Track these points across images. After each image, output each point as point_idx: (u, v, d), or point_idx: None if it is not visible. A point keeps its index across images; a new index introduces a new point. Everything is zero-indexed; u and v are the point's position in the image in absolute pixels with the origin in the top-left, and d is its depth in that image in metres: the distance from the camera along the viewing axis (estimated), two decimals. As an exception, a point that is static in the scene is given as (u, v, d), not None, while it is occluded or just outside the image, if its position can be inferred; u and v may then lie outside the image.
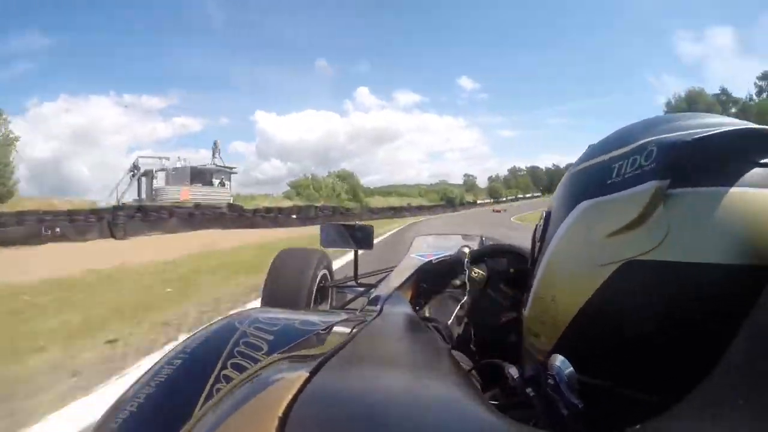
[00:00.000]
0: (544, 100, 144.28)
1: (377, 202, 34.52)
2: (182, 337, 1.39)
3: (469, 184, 70.58)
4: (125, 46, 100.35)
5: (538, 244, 0.44)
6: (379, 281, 1.70)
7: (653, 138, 0.34)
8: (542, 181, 73.19)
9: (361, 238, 1.73)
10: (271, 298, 1.69)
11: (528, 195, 66.71)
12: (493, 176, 76.32)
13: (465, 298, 0.66)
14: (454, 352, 0.56)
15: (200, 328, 0.67)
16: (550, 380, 0.36)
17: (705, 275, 0.30)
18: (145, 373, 0.56)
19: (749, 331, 0.27)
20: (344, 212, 22.77)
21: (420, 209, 34.05)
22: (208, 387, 0.50)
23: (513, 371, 0.41)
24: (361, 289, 1.89)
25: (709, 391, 0.27)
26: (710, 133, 0.32)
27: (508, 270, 0.71)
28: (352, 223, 1.82)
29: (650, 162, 0.33)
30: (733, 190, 0.31)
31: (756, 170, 0.31)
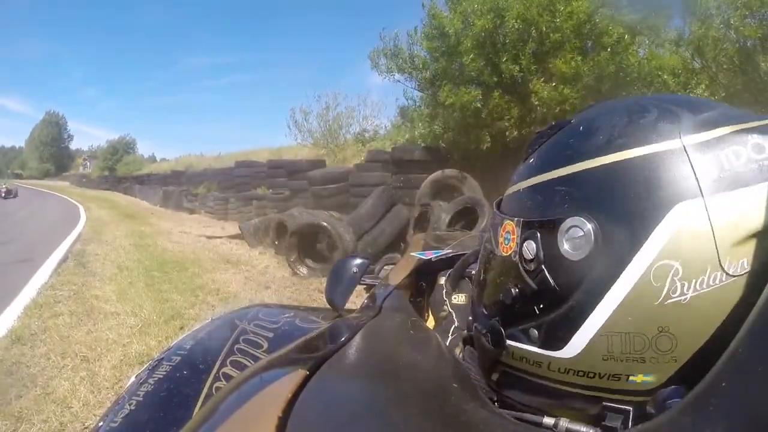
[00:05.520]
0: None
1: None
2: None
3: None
4: None
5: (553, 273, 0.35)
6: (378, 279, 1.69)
7: (740, 126, 0.33)
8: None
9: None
10: None
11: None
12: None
13: (455, 324, 0.62)
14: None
15: (200, 325, 0.66)
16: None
17: None
18: (144, 369, 0.55)
19: (750, 329, 0.27)
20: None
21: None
22: (207, 385, 0.50)
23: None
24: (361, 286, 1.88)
25: (710, 389, 0.27)
26: None
27: None
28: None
29: (765, 155, 0.32)
30: None
31: None
